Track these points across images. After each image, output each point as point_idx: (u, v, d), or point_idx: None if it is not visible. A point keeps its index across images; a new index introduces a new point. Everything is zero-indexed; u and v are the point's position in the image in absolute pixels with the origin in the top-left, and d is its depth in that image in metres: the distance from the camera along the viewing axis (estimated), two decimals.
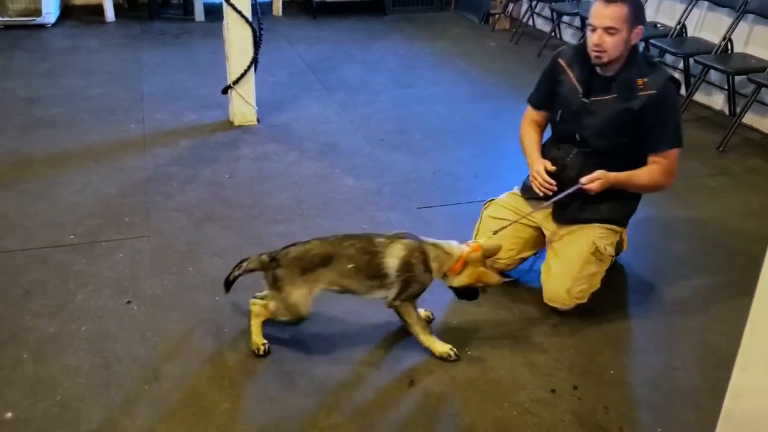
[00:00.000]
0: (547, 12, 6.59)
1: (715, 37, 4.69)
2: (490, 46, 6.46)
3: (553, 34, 6.22)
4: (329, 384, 2.37)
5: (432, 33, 6.78)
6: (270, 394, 2.32)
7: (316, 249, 2.47)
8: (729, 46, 4.52)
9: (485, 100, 5.03)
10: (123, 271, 2.92)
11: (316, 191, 3.66)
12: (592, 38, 2.59)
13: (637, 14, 2.57)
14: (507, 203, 2.96)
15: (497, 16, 6.97)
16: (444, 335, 2.59)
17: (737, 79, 4.55)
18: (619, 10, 2.52)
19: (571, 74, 2.74)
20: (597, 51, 2.58)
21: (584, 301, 2.70)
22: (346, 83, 5.28)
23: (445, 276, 2.50)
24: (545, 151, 2.90)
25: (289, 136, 4.31)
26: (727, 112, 4.75)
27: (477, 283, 2.49)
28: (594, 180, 2.62)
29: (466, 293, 2.55)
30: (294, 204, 3.53)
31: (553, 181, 2.72)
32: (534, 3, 6.58)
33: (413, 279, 2.45)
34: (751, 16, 4.48)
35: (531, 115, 2.96)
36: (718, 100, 4.84)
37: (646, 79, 2.59)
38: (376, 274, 2.44)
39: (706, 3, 4.81)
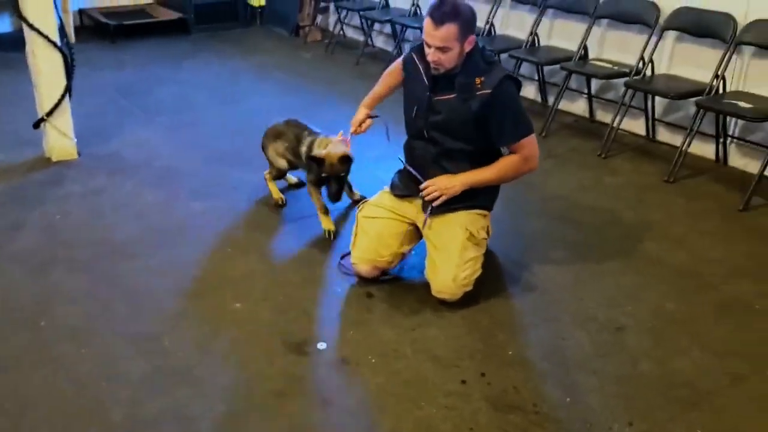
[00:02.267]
0: (356, 21, 6.71)
1: (521, 34, 5.02)
2: (306, 57, 6.43)
3: (368, 42, 6.35)
4: (236, 421, 2.19)
5: (244, 48, 6.63)
6: None
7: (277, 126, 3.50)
8: (536, 41, 4.87)
9: (318, 108, 4.99)
10: None
11: (166, 219, 3.40)
12: (429, 54, 2.64)
13: (467, 27, 2.59)
14: (380, 203, 2.96)
15: (307, 28, 6.98)
16: (343, 347, 2.52)
17: (545, 69, 4.92)
18: (449, 31, 2.54)
19: (422, 69, 2.79)
20: (434, 65, 2.65)
21: (471, 287, 2.75)
22: (167, 105, 5.00)
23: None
24: (407, 151, 2.94)
25: (119, 166, 3.98)
26: (539, 100, 5.12)
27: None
28: (431, 191, 2.74)
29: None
30: (145, 236, 3.25)
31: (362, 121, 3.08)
32: (344, 13, 6.66)
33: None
34: (551, 11, 4.86)
35: (396, 67, 3.03)
36: (530, 91, 5.20)
37: (483, 78, 2.65)
38: (297, 155, 3.37)
39: (509, 2, 5.15)
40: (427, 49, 2.64)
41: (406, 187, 2.93)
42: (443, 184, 2.74)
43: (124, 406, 2.22)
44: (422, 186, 2.77)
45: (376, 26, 6.41)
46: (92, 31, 6.94)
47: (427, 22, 2.58)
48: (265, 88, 5.49)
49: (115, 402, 2.24)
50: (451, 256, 2.73)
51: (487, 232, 2.94)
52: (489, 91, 2.63)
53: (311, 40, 6.94)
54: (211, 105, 5.05)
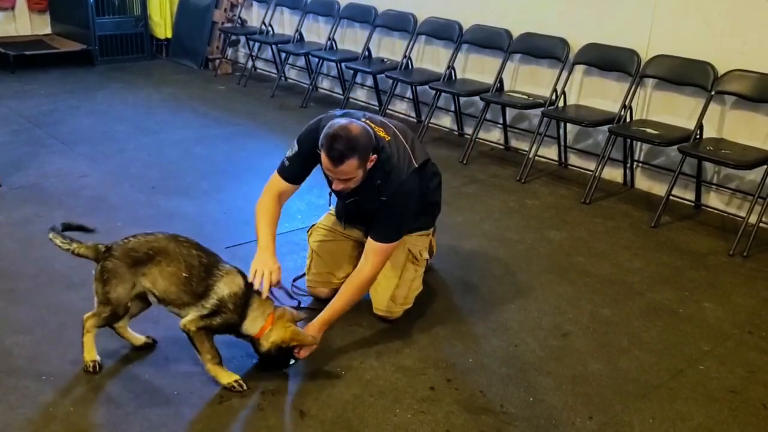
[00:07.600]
0: (267, 54, 6.79)
1: (437, 68, 5.29)
2: (220, 89, 6.44)
3: (282, 76, 6.44)
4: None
5: (154, 80, 6.56)
6: None
7: (157, 242, 2.38)
8: (453, 74, 5.14)
9: (241, 139, 5.02)
10: None
11: None
12: (334, 184, 2.57)
13: (367, 152, 2.48)
14: (328, 225, 3.04)
15: (217, 61, 6.99)
16: (310, 362, 2.56)
17: (462, 100, 5.20)
18: (350, 165, 2.43)
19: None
20: (339, 191, 2.64)
21: (410, 305, 2.89)
22: (84, 135, 4.88)
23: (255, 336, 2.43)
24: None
25: (44, 196, 3.85)
26: (456, 129, 5.38)
27: (291, 342, 2.41)
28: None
29: (277, 357, 2.45)
30: (85, 264, 3.13)
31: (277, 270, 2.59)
32: (258, 46, 6.72)
33: (225, 312, 2.36)
34: (465, 46, 5.15)
35: (279, 186, 2.75)
36: (446, 121, 5.46)
37: (380, 183, 2.59)
38: (201, 294, 2.35)
39: (424, 37, 5.41)
40: (330, 177, 2.57)
41: (347, 218, 2.99)
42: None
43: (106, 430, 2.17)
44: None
45: (289, 59, 6.51)
46: None
47: (326, 160, 2.44)
48: (185, 119, 5.46)
49: (94, 427, 2.18)
50: (392, 276, 2.85)
51: (431, 251, 3.09)
52: (385, 198, 2.60)
53: (222, 72, 6.95)
54: (133, 135, 4.97)
